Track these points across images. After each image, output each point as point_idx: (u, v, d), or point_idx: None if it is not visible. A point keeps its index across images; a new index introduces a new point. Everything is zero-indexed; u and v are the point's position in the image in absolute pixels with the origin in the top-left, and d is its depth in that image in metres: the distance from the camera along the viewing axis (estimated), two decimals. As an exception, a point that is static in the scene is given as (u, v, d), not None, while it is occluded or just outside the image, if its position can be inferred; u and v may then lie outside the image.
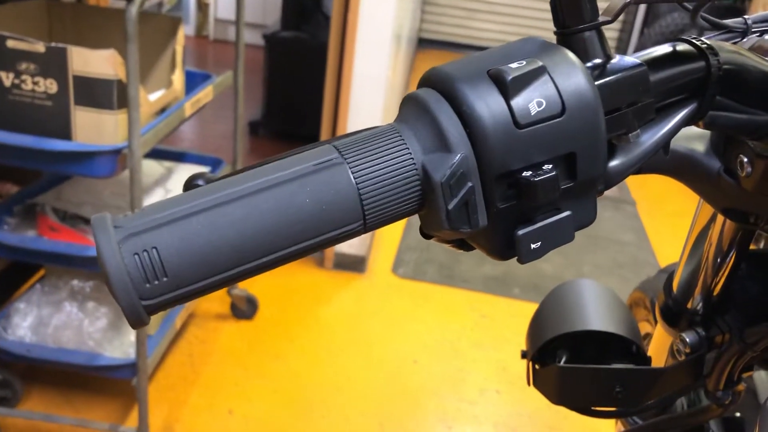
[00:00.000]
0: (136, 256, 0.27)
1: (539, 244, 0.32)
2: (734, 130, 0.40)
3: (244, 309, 2.07)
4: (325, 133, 2.30)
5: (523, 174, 0.30)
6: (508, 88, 0.30)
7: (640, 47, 4.26)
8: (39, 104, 1.27)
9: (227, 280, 0.29)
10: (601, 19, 0.34)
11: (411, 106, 0.32)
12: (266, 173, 0.30)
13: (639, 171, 0.40)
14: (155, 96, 1.41)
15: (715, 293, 0.62)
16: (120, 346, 1.56)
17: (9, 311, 1.57)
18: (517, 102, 0.30)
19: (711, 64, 0.36)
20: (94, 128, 1.27)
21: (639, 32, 4.81)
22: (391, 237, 2.61)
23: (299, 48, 3.16)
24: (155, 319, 1.66)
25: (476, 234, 0.32)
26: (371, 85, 2.23)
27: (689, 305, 0.65)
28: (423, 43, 5.49)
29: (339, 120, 2.23)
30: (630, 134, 0.34)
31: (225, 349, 1.93)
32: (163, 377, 1.78)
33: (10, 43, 1.23)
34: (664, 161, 0.48)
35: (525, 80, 0.30)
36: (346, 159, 0.30)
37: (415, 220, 0.34)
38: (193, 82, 1.67)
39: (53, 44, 1.22)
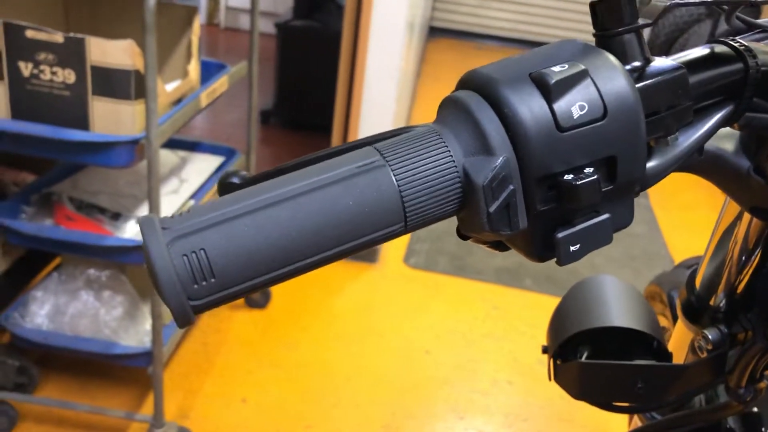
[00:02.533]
0: (184, 258, 0.28)
1: (578, 246, 0.32)
2: None
3: (258, 298, 2.08)
4: (338, 124, 2.30)
5: (565, 177, 0.30)
6: (551, 92, 0.30)
7: (653, 38, 4.23)
8: (57, 94, 1.27)
9: (272, 281, 0.29)
10: (641, 21, 0.34)
11: (451, 108, 0.32)
12: (310, 175, 0.30)
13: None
14: (172, 86, 1.41)
15: (738, 291, 0.62)
16: (135, 334, 1.58)
17: (26, 299, 1.58)
18: (560, 105, 0.30)
19: (749, 66, 0.36)
20: (111, 118, 1.28)
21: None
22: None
23: (311, 37, 3.16)
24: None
25: (515, 236, 0.32)
26: (384, 75, 2.23)
27: (712, 302, 0.65)
28: (434, 32, 5.47)
29: (352, 110, 2.23)
30: (669, 137, 0.34)
31: (238, 338, 1.95)
32: (178, 365, 1.80)
33: (29, 33, 1.24)
34: (696, 160, 0.48)
35: (568, 84, 0.30)
36: (388, 161, 0.30)
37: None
38: (208, 72, 1.67)
39: (71, 34, 1.22)
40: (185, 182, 1.77)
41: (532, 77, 0.31)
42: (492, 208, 0.30)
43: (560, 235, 0.31)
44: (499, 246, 0.35)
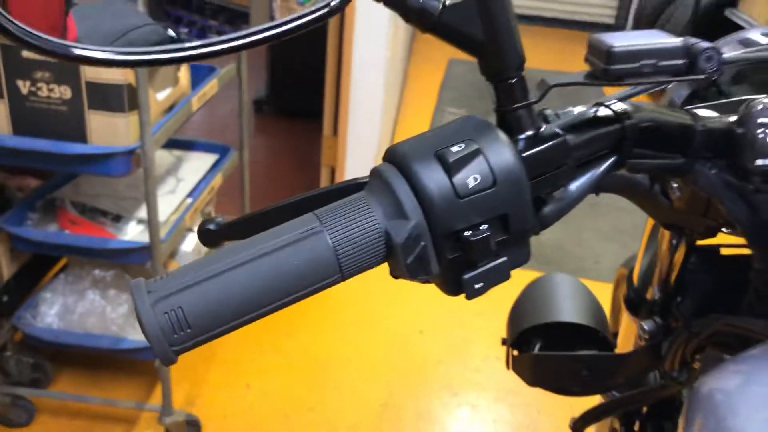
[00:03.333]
0: (166, 314, 0.36)
1: (481, 284, 0.40)
2: (654, 173, 0.48)
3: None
4: (327, 114, 2.36)
5: (465, 234, 0.38)
6: (450, 168, 0.38)
7: (640, 9, 4.26)
8: (55, 110, 1.35)
9: (237, 327, 0.37)
10: (531, 98, 0.42)
11: (377, 179, 0.40)
12: (264, 240, 0.38)
13: (596, 192, 0.48)
14: (163, 95, 1.48)
15: (669, 285, 0.70)
16: (142, 329, 1.67)
17: (36, 300, 1.67)
18: (458, 178, 0.38)
19: (625, 126, 0.44)
20: (107, 130, 1.35)
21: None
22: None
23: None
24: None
25: (432, 278, 0.40)
26: (371, 65, 2.29)
27: (648, 295, 0.73)
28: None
29: (341, 100, 2.30)
30: (555, 192, 0.42)
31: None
32: (183, 356, 1.87)
33: (26, 53, 1.31)
34: (615, 183, 0.56)
35: (464, 161, 0.38)
36: (325, 227, 0.38)
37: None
38: (198, 75, 1.74)
39: (65, 53, 1.29)
40: (182, 181, 1.85)
41: (436, 155, 0.39)
42: (409, 260, 0.38)
43: (466, 277, 0.40)
44: (426, 280, 0.43)
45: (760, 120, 0.44)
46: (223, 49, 0.38)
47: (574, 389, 0.75)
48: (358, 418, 1.79)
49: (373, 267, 0.40)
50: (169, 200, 1.74)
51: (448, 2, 0.39)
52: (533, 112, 0.42)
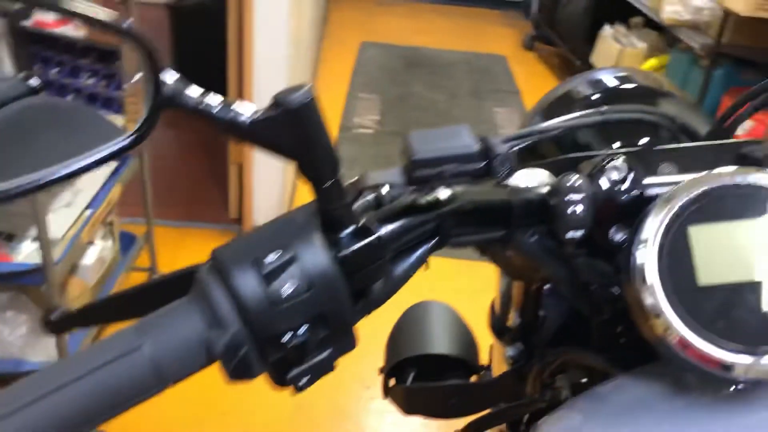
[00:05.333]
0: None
1: (308, 377, 0.43)
2: (479, 245, 0.52)
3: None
4: (232, 90, 2.30)
5: (284, 337, 0.41)
6: (266, 277, 0.40)
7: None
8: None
9: None
10: (348, 198, 0.44)
11: (199, 285, 0.42)
12: (85, 362, 0.39)
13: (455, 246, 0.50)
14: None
15: (525, 313, 0.74)
16: (44, 349, 1.64)
17: (-72, 325, 1.61)
18: (274, 286, 0.40)
19: (441, 214, 0.47)
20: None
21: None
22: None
23: (202, 6, 3.08)
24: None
25: (263, 374, 0.43)
26: (272, 60, 2.25)
27: (509, 322, 0.77)
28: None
29: (244, 74, 2.23)
30: (374, 285, 0.45)
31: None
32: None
33: None
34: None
35: (280, 269, 0.40)
36: (145, 340, 0.39)
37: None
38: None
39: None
40: (80, 193, 1.80)
41: (254, 263, 0.41)
42: (230, 368, 0.40)
43: (290, 375, 0.42)
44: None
45: (568, 197, 0.48)
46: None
47: (447, 415, 0.79)
48: (272, 420, 1.82)
49: (200, 370, 0.42)
50: (66, 214, 1.70)
51: (256, 117, 0.40)
52: (351, 210, 0.45)
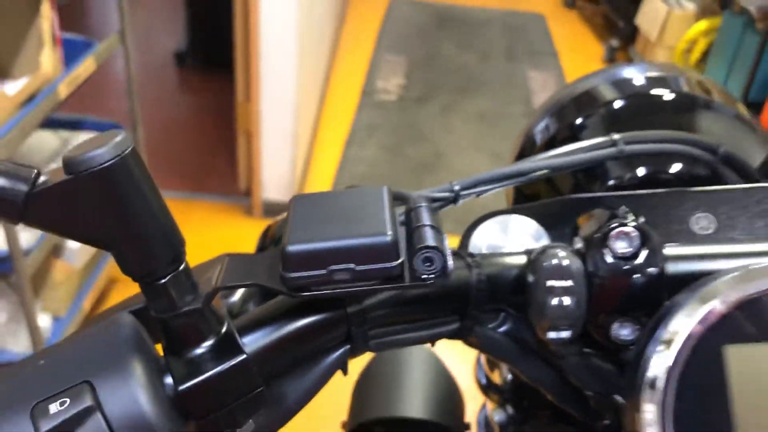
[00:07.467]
0: None
1: None
2: (427, 341, 0.37)
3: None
4: (240, 79, 2.18)
5: None
6: None
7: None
8: None
9: None
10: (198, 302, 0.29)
11: None
12: None
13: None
14: (16, 87, 1.30)
15: (509, 377, 0.61)
16: (26, 338, 1.54)
17: None
18: None
19: (352, 312, 0.32)
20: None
21: None
22: (323, 178, 2.55)
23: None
24: (63, 302, 1.63)
25: None
26: (281, 28, 2.09)
27: (498, 380, 0.64)
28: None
29: (251, 65, 2.11)
30: (240, 429, 0.30)
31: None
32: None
33: None
34: None
35: (70, 425, 0.26)
36: None
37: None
38: (73, 52, 1.55)
39: None
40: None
41: (32, 413, 0.26)
42: None
43: None
44: None
45: (550, 283, 0.33)
46: None
47: None
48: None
49: None
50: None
51: (36, 188, 0.26)
52: (209, 317, 0.30)
